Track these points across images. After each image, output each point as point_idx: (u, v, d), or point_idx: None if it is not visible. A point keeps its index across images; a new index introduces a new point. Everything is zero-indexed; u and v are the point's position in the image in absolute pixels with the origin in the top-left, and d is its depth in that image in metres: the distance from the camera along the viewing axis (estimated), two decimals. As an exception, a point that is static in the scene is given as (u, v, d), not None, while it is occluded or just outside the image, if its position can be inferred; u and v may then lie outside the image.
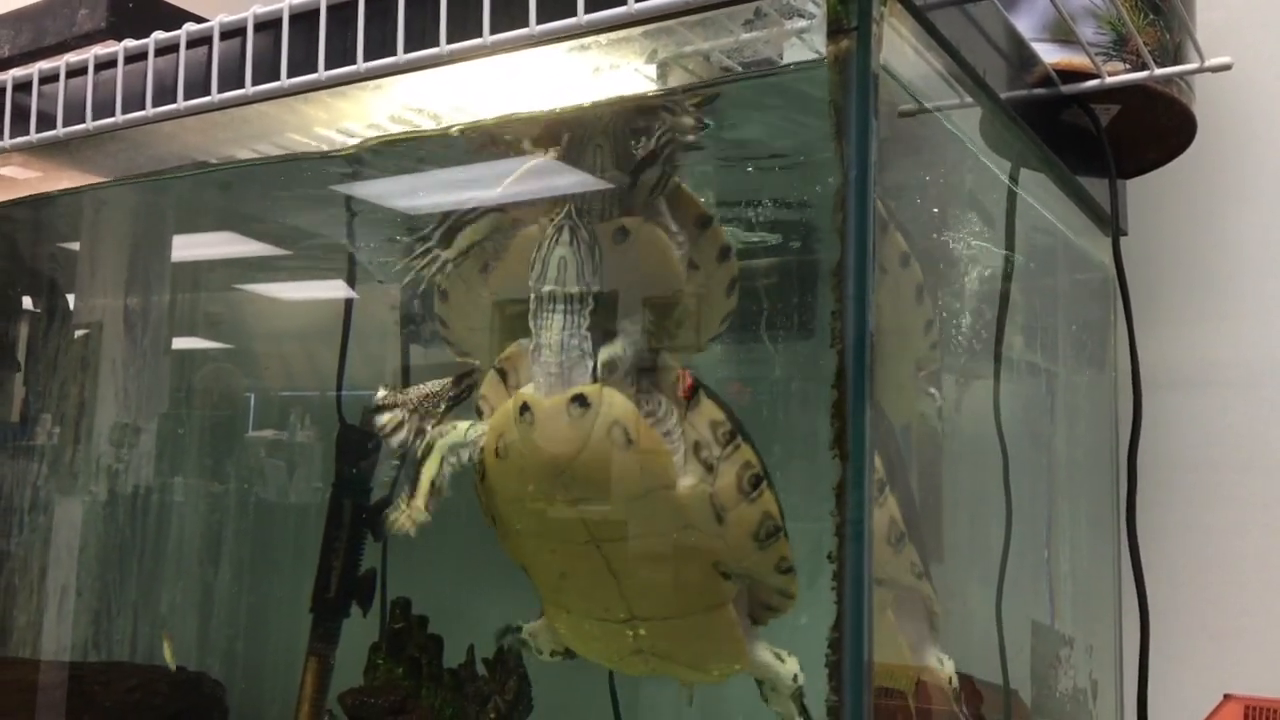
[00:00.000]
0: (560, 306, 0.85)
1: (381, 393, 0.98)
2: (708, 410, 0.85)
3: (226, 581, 1.44)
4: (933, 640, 0.90)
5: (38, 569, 1.29)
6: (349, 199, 1.23)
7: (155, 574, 1.39)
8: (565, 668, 1.12)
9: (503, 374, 0.91)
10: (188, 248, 1.41)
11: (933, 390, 0.97)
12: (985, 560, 0.95)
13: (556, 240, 0.85)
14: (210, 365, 1.51)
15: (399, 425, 0.96)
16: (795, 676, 0.92)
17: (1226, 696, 0.89)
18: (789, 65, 0.76)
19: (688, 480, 0.84)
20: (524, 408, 0.85)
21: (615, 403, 0.83)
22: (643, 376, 0.86)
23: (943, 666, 0.90)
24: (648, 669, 0.96)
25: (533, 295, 0.86)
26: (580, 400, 0.83)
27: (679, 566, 0.88)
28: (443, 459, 0.92)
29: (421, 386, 0.98)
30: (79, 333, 1.34)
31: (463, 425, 0.92)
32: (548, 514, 0.88)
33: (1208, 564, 1.10)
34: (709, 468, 0.84)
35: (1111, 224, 1.04)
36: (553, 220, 0.86)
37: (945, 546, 0.92)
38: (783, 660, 0.92)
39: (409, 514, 0.92)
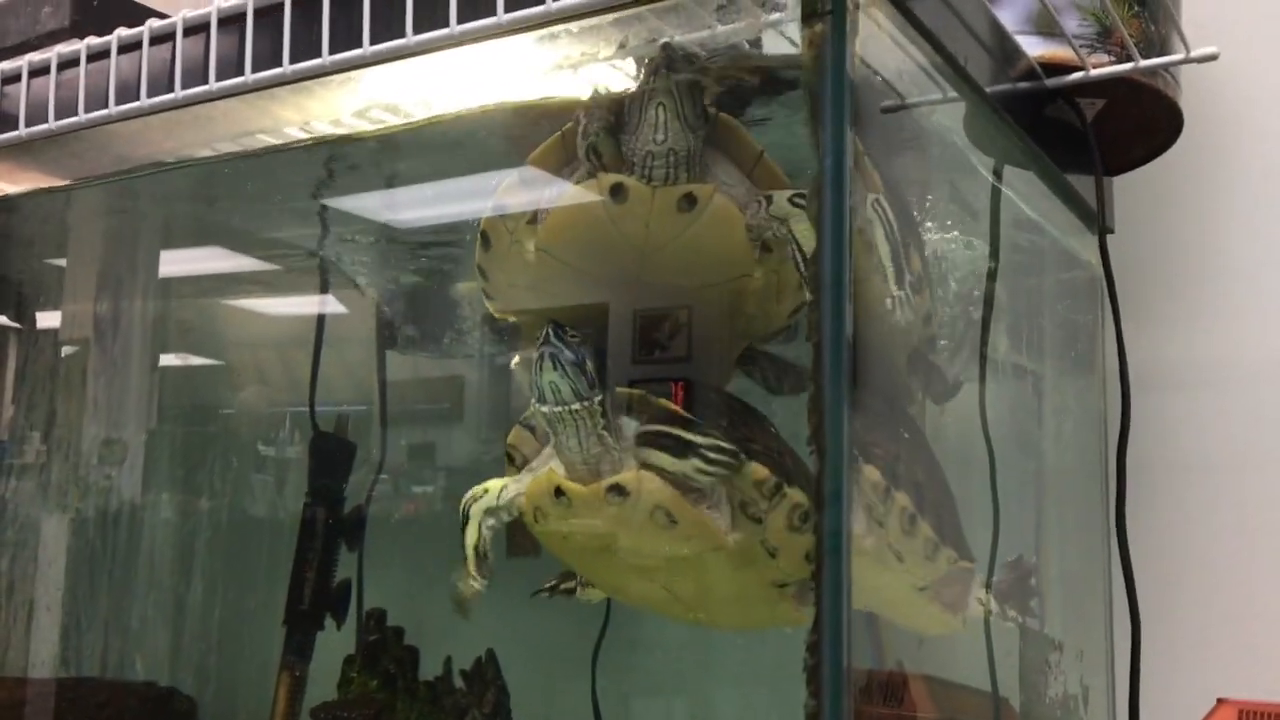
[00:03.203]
0: (569, 422, 0.82)
1: None
2: (752, 471, 0.82)
3: (199, 595, 1.42)
4: (971, 588, 0.92)
5: (5, 584, 1.27)
6: (324, 205, 1.21)
7: (127, 588, 1.36)
8: (545, 680, 1.10)
9: (531, 429, 0.89)
10: (164, 253, 1.40)
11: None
12: (973, 565, 0.93)
13: (540, 367, 0.82)
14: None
15: None
16: None
17: (1220, 701, 0.87)
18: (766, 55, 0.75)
19: (735, 535, 0.83)
20: (558, 491, 0.84)
21: (654, 489, 0.82)
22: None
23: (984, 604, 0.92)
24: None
25: (539, 414, 0.85)
26: (618, 490, 0.81)
27: (739, 592, 0.89)
28: (480, 524, 0.91)
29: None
30: (49, 343, 1.32)
31: (495, 486, 0.90)
32: (599, 563, 0.90)
33: (1199, 566, 1.08)
34: (757, 520, 0.83)
35: (1098, 222, 1.02)
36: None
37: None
38: None
39: (469, 586, 0.92)
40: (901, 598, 0.89)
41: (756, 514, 0.83)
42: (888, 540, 0.83)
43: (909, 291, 0.84)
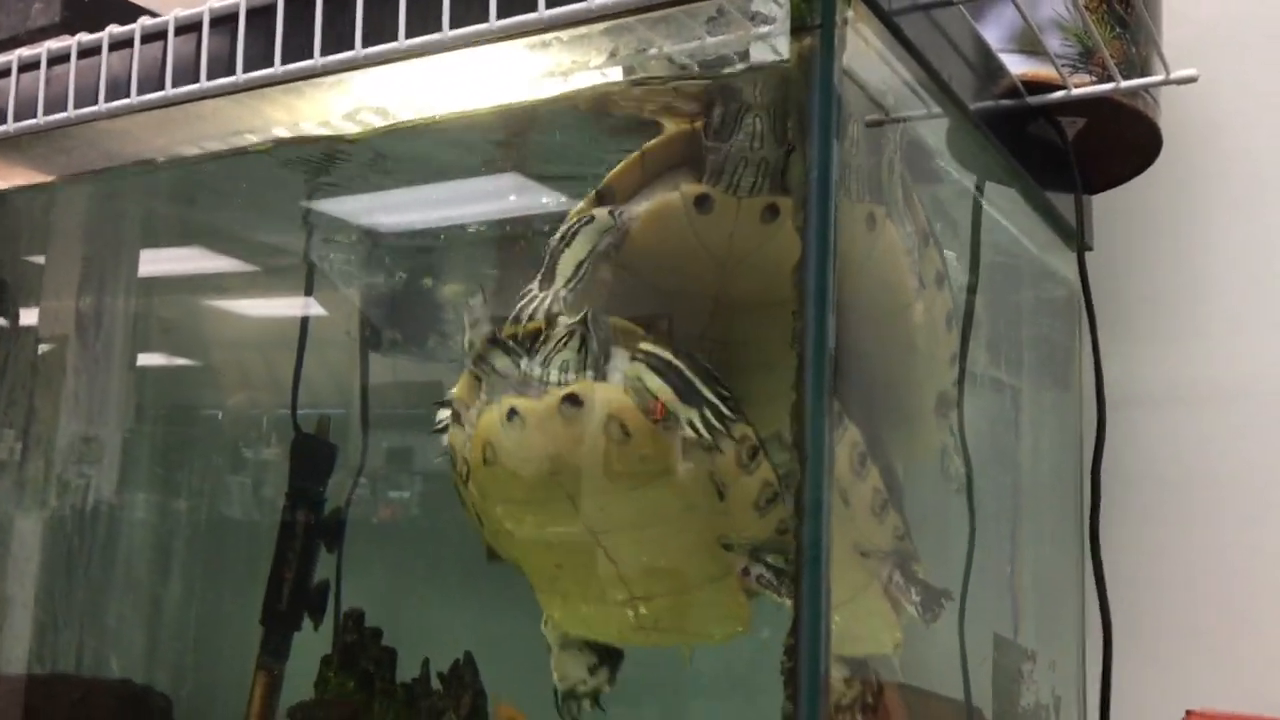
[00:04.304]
0: (563, 346, 0.81)
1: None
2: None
3: (177, 594, 1.41)
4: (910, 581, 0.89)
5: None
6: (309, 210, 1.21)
7: (104, 586, 1.36)
8: (522, 683, 1.10)
9: (477, 380, 0.87)
10: (147, 250, 1.39)
11: (952, 430, 0.96)
12: (948, 574, 0.94)
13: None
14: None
15: None
16: None
17: (1189, 713, 0.88)
18: (753, 65, 0.75)
19: (687, 463, 0.81)
20: (511, 412, 0.81)
21: (610, 397, 0.80)
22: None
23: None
24: (650, 641, 0.93)
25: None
26: (572, 400, 0.80)
27: (680, 546, 0.85)
28: (596, 242, 0.85)
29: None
30: (30, 339, 1.32)
31: (603, 212, 0.85)
32: (541, 513, 0.86)
33: (1170, 579, 1.09)
34: (706, 447, 0.81)
35: (1078, 239, 1.03)
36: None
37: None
38: None
39: (547, 301, 0.85)
40: (846, 571, 0.86)
41: (707, 442, 0.81)
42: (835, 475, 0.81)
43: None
